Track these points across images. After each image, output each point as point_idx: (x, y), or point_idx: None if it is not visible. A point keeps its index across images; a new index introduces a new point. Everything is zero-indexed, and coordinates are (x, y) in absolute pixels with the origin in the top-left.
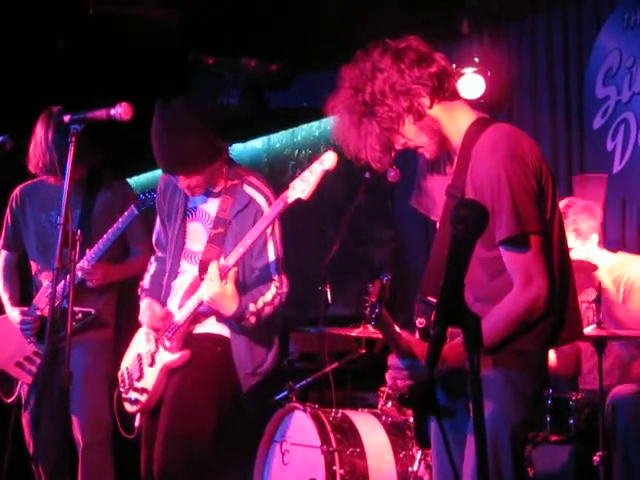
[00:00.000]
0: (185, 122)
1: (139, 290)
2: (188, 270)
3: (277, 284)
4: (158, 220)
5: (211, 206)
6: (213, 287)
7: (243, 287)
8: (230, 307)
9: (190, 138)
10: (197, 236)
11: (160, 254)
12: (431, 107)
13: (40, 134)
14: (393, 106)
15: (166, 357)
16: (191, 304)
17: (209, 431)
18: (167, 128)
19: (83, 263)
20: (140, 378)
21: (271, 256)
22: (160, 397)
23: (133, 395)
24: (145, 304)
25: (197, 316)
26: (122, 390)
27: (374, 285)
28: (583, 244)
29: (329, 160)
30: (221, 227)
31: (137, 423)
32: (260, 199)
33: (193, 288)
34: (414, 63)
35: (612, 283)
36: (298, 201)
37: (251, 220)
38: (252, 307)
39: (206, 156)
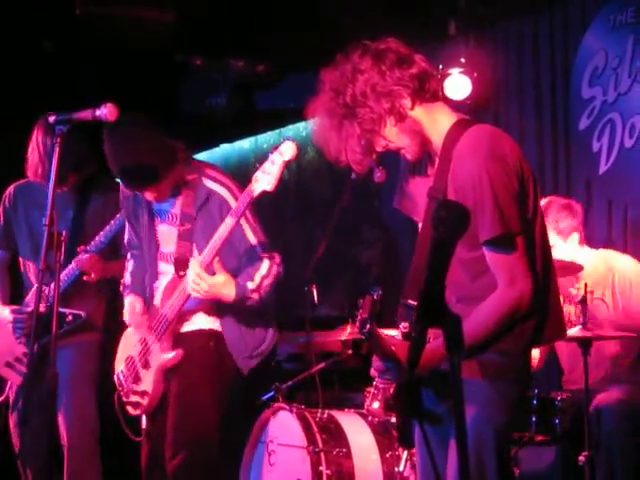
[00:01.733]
0: (135, 139)
1: (121, 287)
2: (167, 270)
3: (269, 259)
4: (127, 223)
5: (175, 205)
6: (203, 285)
7: (235, 272)
8: (229, 293)
9: (143, 155)
10: (168, 238)
11: (134, 251)
12: (412, 108)
13: (37, 141)
14: (374, 107)
15: (160, 358)
16: (175, 302)
17: (215, 428)
18: (119, 149)
19: (81, 256)
20: (138, 381)
21: (252, 240)
22: (161, 397)
23: (134, 398)
24: (127, 301)
25: (184, 314)
26: (122, 394)
27: (365, 300)
28: (565, 242)
29: (288, 150)
30: (188, 223)
31: (144, 425)
32: (221, 190)
33: (172, 286)
34: (395, 64)
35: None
36: (264, 194)
37: (217, 212)
38: (251, 284)
39: (163, 167)
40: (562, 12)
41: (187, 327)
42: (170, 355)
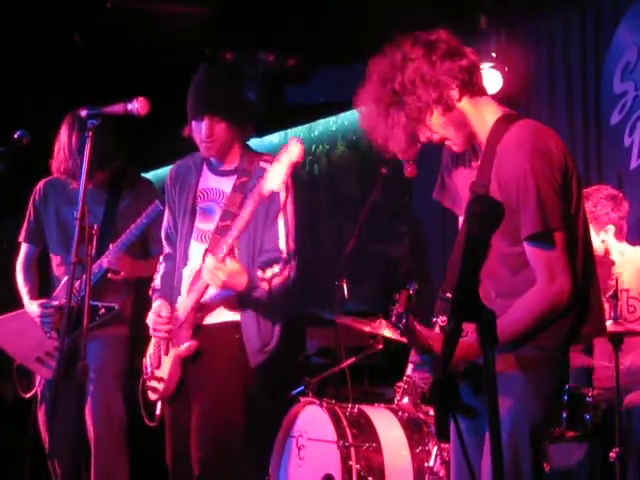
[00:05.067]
0: (236, 80)
1: (151, 291)
2: (197, 252)
3: (285, 257)
4: (167, 211)
5: (224, 185)
6: (220, 275)
7: (251, 263)
8: (242, 281)
9: (240, 87)
10: (209, 214)
11: (169, 250)
12: (460, 100)
13: (64, 138)
14: (422, 96)
15: (177, 346)
16: (196, 291)
17: (241, 418)
18: (222, 72)
19: (109, 255)
20: (158, 366)
21: (281, 230)
22: (176, 385)
23: (153, 383)
24: (155, 305)
25: (205, 305)
26: (145, 378)
27: (401, 295)
28: (597, 235)
29: (294, 151)
30: (228, 220)
31: (158, 411)
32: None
33: (198, 276)
34: (445, 55)
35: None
36: (272, 192)
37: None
38: (261, 273)
39: (244, 110)
40: (593, 6)
41: (213, 319)
42: (185, 345)
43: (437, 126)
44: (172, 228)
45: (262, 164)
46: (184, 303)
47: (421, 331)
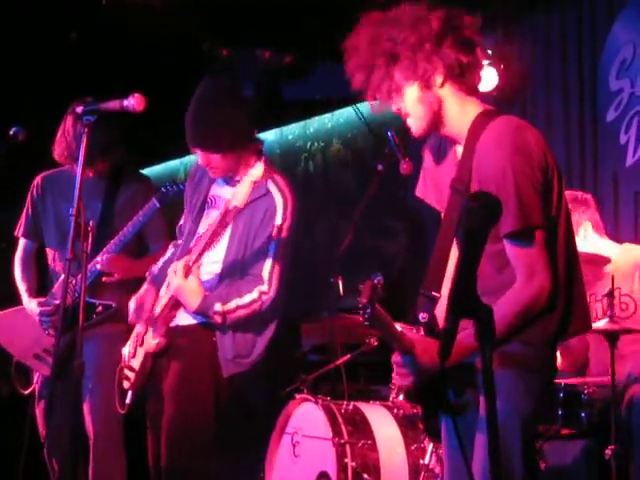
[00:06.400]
0: (229, 99)
1: (148, 272)
2: None
3: (264, 288)
4: (185, 206)
5: (229, 194)
6: (176, 280)
7: (230, 279)
8: (192, 302)
9: (228, 114)
10: (210, 222)
11: (180, 241)
12: (441, 87)
13: (69, 123)
14: (410, 63)
15: (147, 341)
16: (168, 293)
17: (210, 420)
18: (210, 97)
19: (102, 256)
20: (134, 356)
21: (269, 256)
22: (145, 379)
23: (127, 372)
24: (142, 288)
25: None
26: (122, 366)
27: (365, 286)
28: (578, 236)
29: (257, 171)
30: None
31: (128, 400)
32: (277, 197)
33: None
34: (455, 43)
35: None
36: (236, 208)
37: (261, 212)
38: (218, 307)
39: (235, 139)
40: (589, 3)
41: (190, 320)
42: (154, 341)
43: (409, 99)
44: (185, 223)
45: (269, 184)
46: (162, 298)
47: (391, 323)
